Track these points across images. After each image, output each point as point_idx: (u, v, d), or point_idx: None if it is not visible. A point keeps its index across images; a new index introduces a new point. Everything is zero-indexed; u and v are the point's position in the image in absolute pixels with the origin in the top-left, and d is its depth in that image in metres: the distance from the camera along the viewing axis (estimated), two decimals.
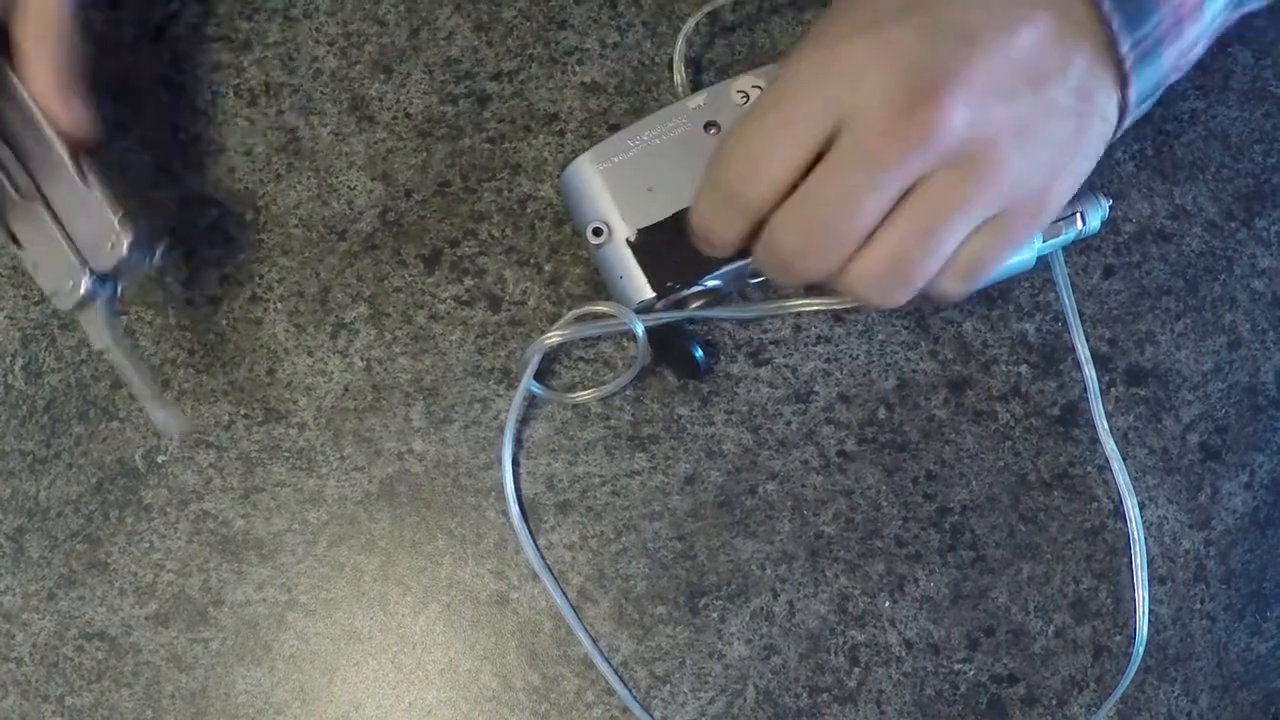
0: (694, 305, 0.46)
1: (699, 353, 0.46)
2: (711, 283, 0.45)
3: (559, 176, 0.46)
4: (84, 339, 0.49)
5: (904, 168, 0.35)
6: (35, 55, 0.40)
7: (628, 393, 0.48)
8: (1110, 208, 0.46)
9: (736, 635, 0.48)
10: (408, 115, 0.50)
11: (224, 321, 0.49)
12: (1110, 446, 0.48)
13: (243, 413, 0.49)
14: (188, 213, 0.49)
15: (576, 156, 0.45)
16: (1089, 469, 0.49)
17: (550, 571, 0.47)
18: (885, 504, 0.48)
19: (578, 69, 0.50)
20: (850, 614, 0.48)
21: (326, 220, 0.50)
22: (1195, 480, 0.49)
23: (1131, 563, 0.48)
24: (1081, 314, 0.49)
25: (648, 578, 0.48)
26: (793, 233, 0.37)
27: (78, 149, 0.40)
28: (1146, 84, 0.38)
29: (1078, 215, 0.45)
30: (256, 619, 0.48)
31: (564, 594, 0.47)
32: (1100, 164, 0.50)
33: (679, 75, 0.47)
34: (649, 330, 0.45)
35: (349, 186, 0.50)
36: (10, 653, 0.48)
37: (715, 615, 0.48)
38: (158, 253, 0.41)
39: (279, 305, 0.49)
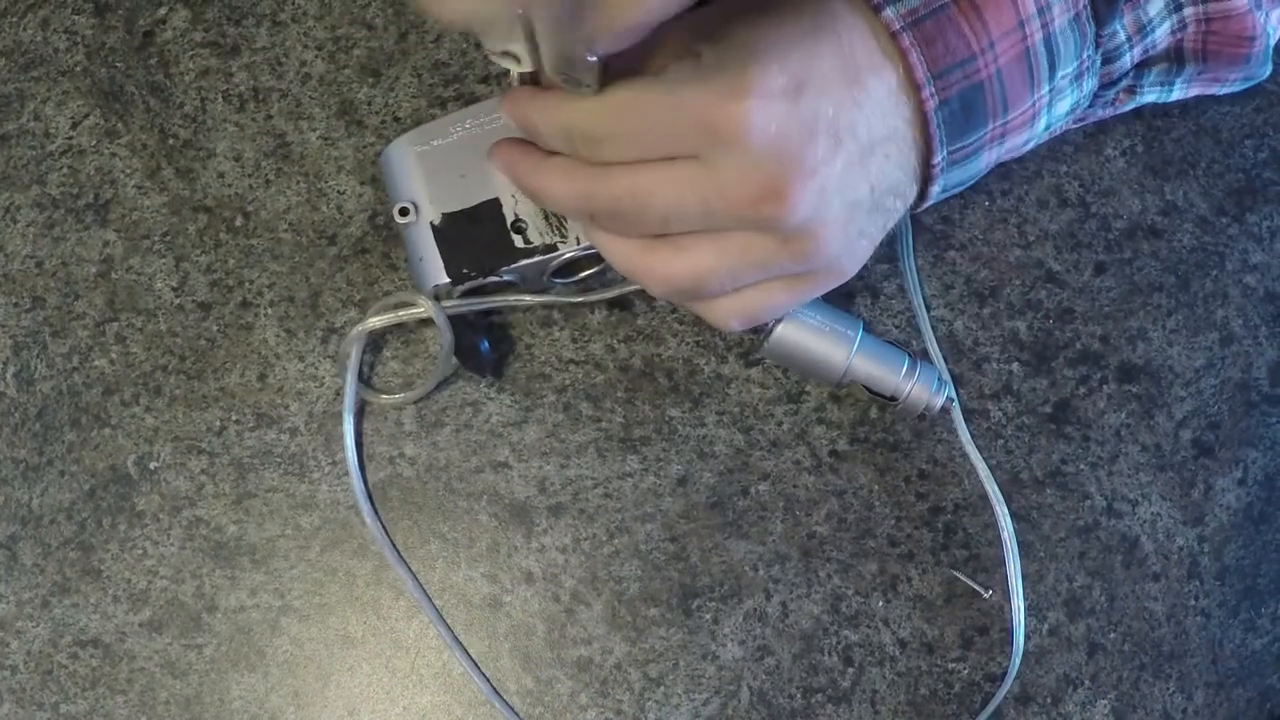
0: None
1: (485, 345, 0.46)
2: (509, 275, 0.45)
3: (377, 155, 0.46)
4: (76, 346, 0.49)
5: (735, 227, 0.37)
6: None
7: (619, 394, 0.48)
8: (948, 397, 0.47)
9: (730, 636, 0.48)
10: (396, 119, 0.50)
11: (214, 327, 0.49)
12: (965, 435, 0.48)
13: (234, 418, 0.49)
14: (178, 218, 0.50)
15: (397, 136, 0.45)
16: (1081, 466, 0.49)
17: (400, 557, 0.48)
18: (878, 503, 0.48)
19: None
20: (844, 614, 0.48)
21: (316, 225, 0.50)
22: (1188, 477, 0.49)
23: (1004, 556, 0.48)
24: (1074, 311, 0.49)
25: (640, 579, 0.48)
26: (614, 200, 0.38)
27: None
28: (951, 181, 0.41)
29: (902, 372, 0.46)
30: (250, 625, 0.48)
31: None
32: (1089, 161, 0.50)
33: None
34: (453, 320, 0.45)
35: (338, 191, 0.50)
36: (4, 660, 0.48)
37: (708, 616, 0.48)
38: None
39: (269, 310, 0.49)
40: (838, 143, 0.36)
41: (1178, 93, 0.45)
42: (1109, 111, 0.45)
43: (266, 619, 0.48)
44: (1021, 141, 0.41)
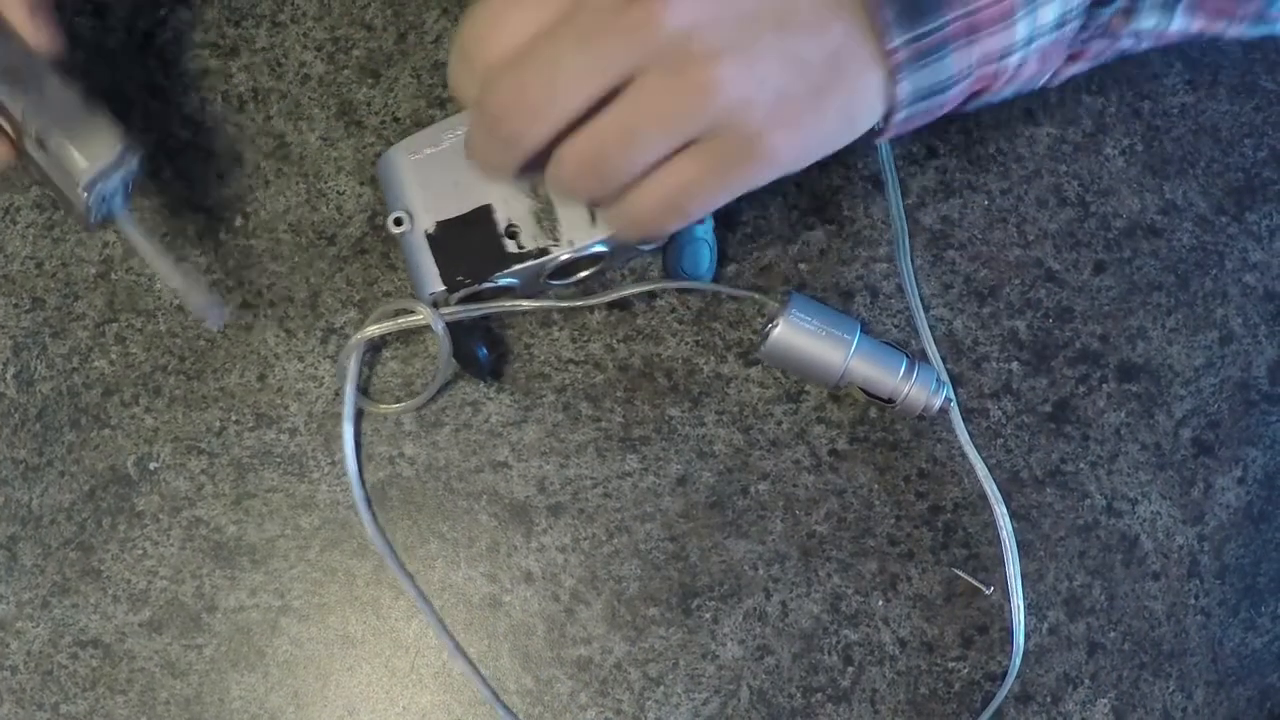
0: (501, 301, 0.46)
1: (483, 351, 0.46)
2: (504, 280, 0.45)
3: (377, 155, 0.46)
4: (75, 346, 0.49)
5: (613, 53, 0.34)
6: None
7: (618, 394, 0.48)
8: (946, 398, 0.47)
9: (730, 636, 0.48)
10: (396, 119, 0.50)
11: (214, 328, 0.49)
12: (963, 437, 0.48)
13: (234, 419, 0.49)
14: (178, 219, 0.50)
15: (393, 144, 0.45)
16: (1081, 466, 0.49)
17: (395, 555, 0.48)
18: (877, 503, 0.48)
19: None
20: (843, 613, 0.48)
21: (316, 225, 0.50)
22: (1188, 475, 0.49)
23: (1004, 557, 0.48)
24: (1073, 310, 0.49)
25: (640, 579, 0.48)
26: (507, 92, 0.36)
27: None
28: (922, 83, 0.37)
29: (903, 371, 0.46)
30: (250, 625, 0.48)
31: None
32: (1089, 160, 0.50)
33: None
34: (451, 327, 0.45)
35: (338, 191, 0.50)
36: (5, 661, 0.48)
37: (708, 616, 0.48)
38: (139, 155, 0.42)
39: (269, 311, 0.49)
40: None
41: (1179, 22, 0.40)
42: (1107, 45, 0.41)
43: (266, 619, 0.48)
44: (999, 47, 0.37)
